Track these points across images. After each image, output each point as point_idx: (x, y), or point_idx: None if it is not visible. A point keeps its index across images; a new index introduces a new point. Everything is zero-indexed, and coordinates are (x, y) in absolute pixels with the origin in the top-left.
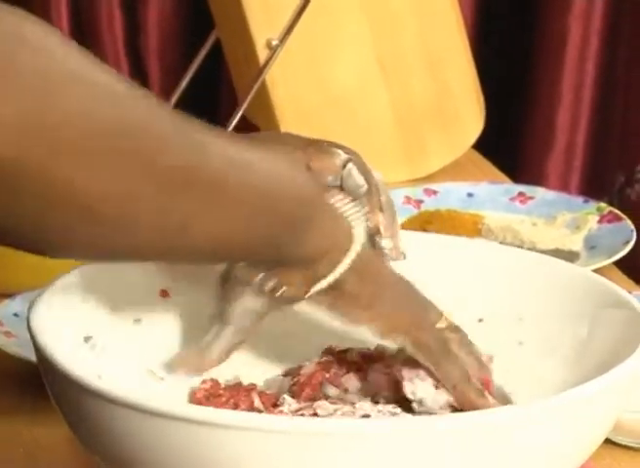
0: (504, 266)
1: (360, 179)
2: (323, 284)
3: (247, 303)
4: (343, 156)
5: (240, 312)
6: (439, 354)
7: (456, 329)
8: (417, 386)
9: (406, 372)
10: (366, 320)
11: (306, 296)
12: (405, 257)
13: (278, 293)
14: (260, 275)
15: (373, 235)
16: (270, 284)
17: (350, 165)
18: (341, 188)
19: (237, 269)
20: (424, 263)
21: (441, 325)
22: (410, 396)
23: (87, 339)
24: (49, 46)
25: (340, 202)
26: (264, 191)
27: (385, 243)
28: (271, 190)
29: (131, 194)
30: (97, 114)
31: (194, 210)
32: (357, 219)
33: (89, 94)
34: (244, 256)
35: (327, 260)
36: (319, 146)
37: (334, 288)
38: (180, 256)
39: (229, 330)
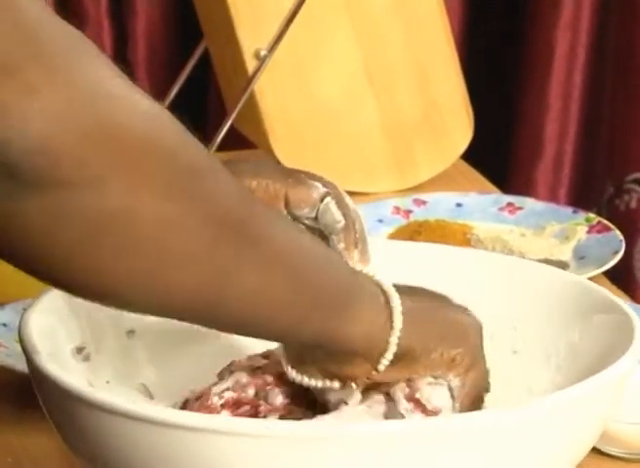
0: (496, 275)
1: (338, 215)
2: (389, 356)
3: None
4: (322, 190)
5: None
6: (475, 398)
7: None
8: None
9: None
10: (426, 370)
11: (378, 374)
12: None
13: (353, 387)
14: (324, 382)
15: None
16: (335, 384)
17: (328, 199)
18: (316, 218)
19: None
20: (417, 273)
21: (478, 341)
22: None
23: (79, 350)
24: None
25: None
26: (306, 258)
27: None
28: (312, 260)
29: (180, 224)
30: (158, 137)
31: (238, 258)
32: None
33: (149, 118)
34: (286, 327)
35: (378, 332)
36: (298, 178)
37: (399, 356)
38: (219, 312)
39: None
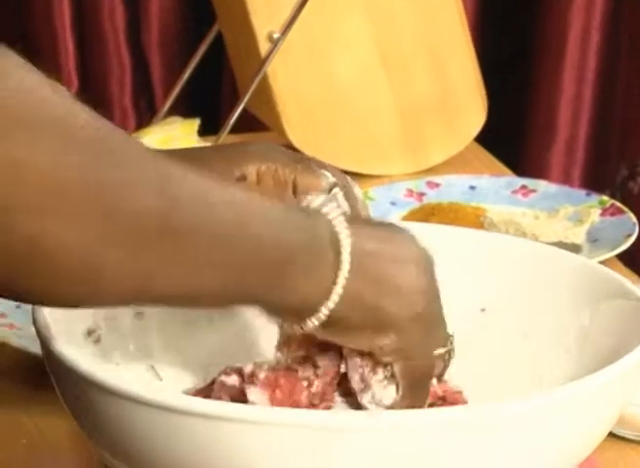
0: (509, 257)
1: (344, 206)
2: (314, 321)
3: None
4: (331, 180)
5: None
6: (416, 387)
7: (450, 355)
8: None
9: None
10: (369, 346)
11: (301, 332)
12: None
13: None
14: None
15: None
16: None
17: (336, 190)
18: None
19: None
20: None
21: (440, 351)
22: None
23: (90, 333)
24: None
25: (330, 217)
26: (235, 238)
27: None
28: (243, 237)
29: (95, 242)
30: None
31: (161, 259)
32: (345, 236)
33: (55, 134)
34: (218, 304)
35: (315, 296)
36: (307, 165)
37: (330, 322)
38: (148, 303)
39: None
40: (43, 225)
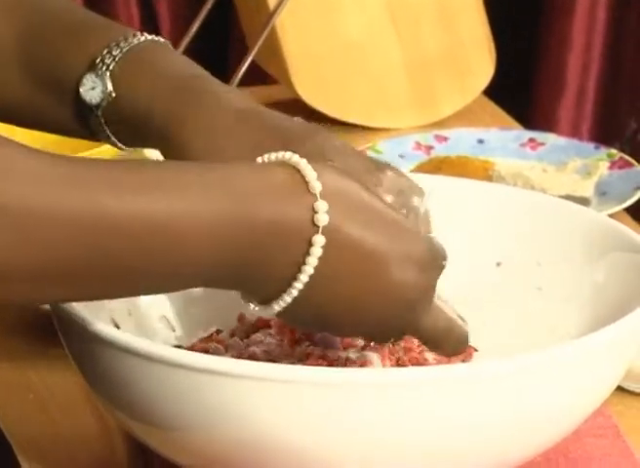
0: (518, 210)
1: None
2: (289, 297)
3: None
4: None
5: None
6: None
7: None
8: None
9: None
10: (349, 332)
11: (277, 312)
12: None
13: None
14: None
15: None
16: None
17: None
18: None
19: None
20: (438, 207)
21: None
22: None
23: None
24: None
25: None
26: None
27: None
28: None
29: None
30: None
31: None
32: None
33: None
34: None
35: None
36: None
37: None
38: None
39: None
40: None
